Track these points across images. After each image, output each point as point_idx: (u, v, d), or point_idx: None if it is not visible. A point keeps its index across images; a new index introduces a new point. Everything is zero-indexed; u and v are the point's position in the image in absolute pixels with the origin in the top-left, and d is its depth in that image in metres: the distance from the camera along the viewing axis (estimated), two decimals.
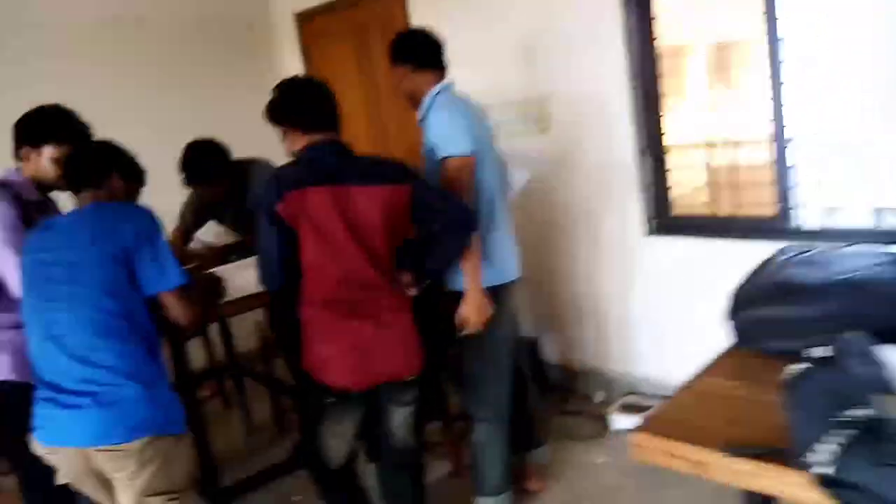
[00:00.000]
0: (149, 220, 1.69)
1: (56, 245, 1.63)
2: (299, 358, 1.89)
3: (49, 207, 2.04)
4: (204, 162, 2.64)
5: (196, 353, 3.30)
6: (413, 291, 1.95)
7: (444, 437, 2.71)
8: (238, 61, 4.17)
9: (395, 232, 1.88)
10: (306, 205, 1.75)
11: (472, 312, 2.07)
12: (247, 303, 2.16)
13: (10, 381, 1.82)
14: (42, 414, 1.57)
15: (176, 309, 1.71)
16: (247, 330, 3.29)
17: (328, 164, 1.81)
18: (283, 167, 1.84)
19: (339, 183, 1.78)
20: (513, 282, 2.25)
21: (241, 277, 2.25)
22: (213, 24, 4.06)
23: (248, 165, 2.81)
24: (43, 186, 1.98)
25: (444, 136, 2.06)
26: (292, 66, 4.21)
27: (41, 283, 1.62)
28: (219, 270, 2.38)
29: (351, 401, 1.89)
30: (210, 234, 3.08)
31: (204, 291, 2.08)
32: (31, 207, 1.94)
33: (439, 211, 1.90)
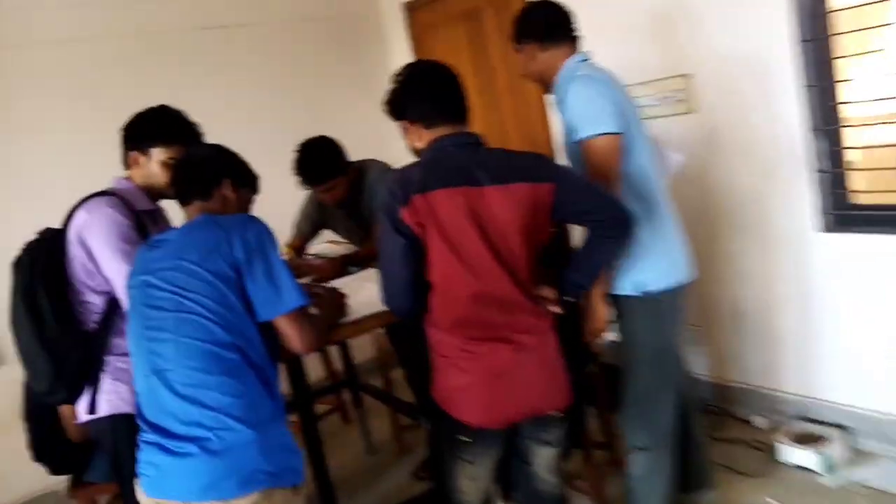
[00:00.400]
0: (261, 233, 1.48)
1: (161, 266, 1.45)
2: (427, 385, 1.64)
3: (162, 218, 1.92)
4: (320, 160, 2.47)
5: (313, 364, 3.18)
6: (556, 309, 1.64)
7: (584, 467, 2.38)
8: (347, 59, 4.04)
9: (535, 239, 1.58)
10: (434, 210, 1.49)
11: (594, 321, 1.82)
12: (369, 322, 1.91)
13: (127, 413, 1.69)
14: (146, 460, 1.40)
15: (294, 335, 1.49)
16: (364, 339, 3.11)
17: (458, 161, 1.54)
18: (406, 167, 1.59)
19: (471, 183, 1.51)
20: (684, 285, 1.90)
21: (363, 293, 2.02)
22: (319, 24, 3.94)
23: (363, 167, 2.61)
24: (154, 194, 1.85)
25: (585, 113, 1.75)
26: (402, 59, 4.00)
27: (145, 310, 1.45)
28: (338, 284, 2.18)
29: (487, 439, 1.62)
30: (323, 244, 2.92)
31: (326, 310, 1.85)
32: (144, 218, 1.82)
33: (589, 212, 1.59)
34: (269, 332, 1.48)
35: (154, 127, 1.81)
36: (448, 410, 1.59)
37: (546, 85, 1.95)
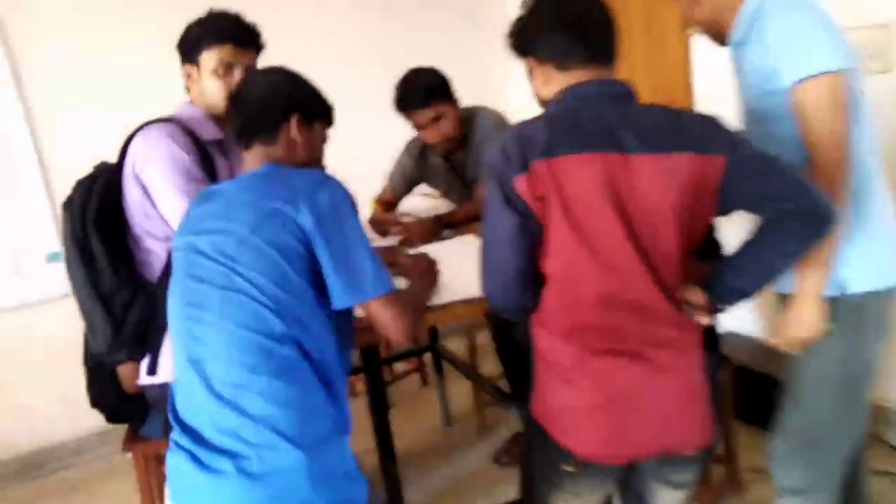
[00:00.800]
0: (337, 196, 1.18)
1: (212, 227, 1.18)
2: (524, 374, 1.33)
3: (232, 150, 1.62)
4: (427, 79, 2.14)
5: None
6: (706, 320, 1.26)
7: (697, 486, 2.00)
8: None
9: (692, 228, 1.19)
10: (561, 181, 1.13)
11: (796, 328, 1.38)
12: (461, 310, 1.53)
13: None
14: (174, 466, 1.16)
15: (388, 323, 1.21)
16: None
17: (599, 117, 1.16)
18: (527, 122, 1.22)
19: (614, 148, 1.13)
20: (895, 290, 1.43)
21: (457, 269, 1.67)
22: None
23: (472, 115, 2.23)
24: (220, 119, 1.56)
25: (795, 48, 1.30)
26: None
27: (188, 281, 1.18)
28: (428, 250, 1.85)
29: (598, 474, 1.28)
30: (417, 198, 2.60)
31: (419, 284, 1.53)
32: (211, 149, 1.55)
33: (774, 197, 1.17)
34: (342, 317, 1.20)
35: (199, 28, 1.53)
36: (550, 432, 1.26)
37: (720, 35, 1.50)
